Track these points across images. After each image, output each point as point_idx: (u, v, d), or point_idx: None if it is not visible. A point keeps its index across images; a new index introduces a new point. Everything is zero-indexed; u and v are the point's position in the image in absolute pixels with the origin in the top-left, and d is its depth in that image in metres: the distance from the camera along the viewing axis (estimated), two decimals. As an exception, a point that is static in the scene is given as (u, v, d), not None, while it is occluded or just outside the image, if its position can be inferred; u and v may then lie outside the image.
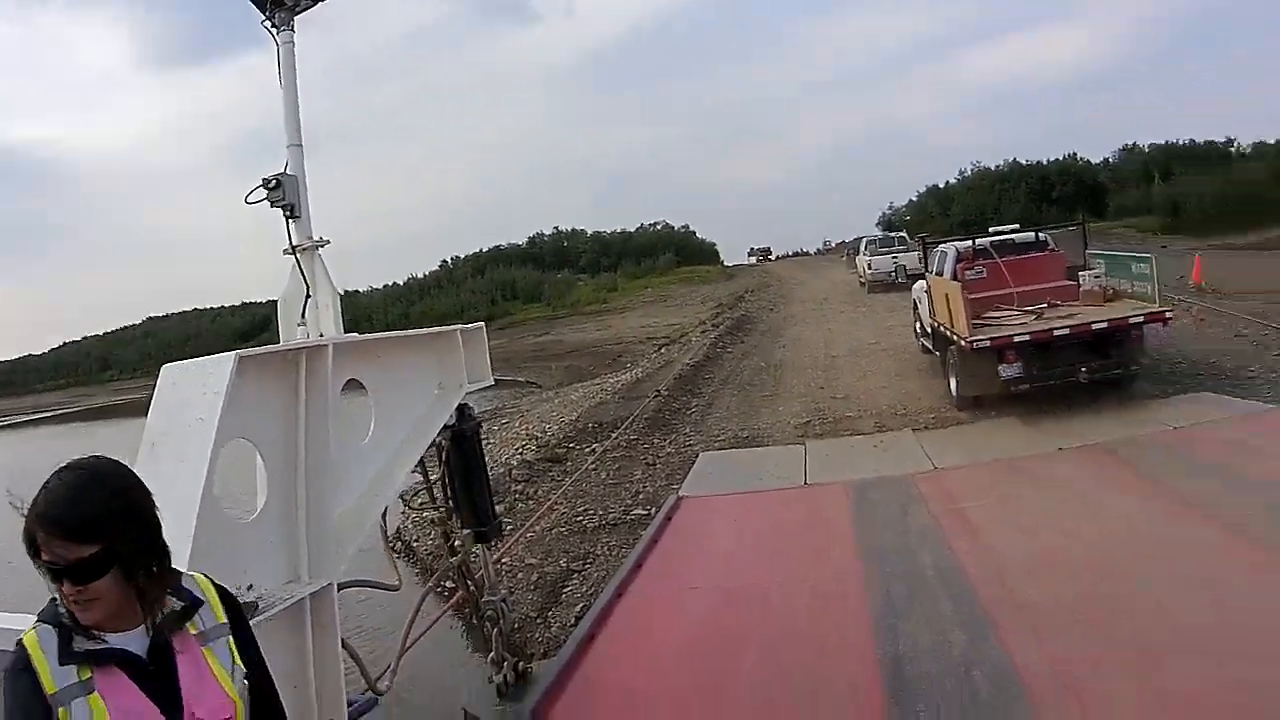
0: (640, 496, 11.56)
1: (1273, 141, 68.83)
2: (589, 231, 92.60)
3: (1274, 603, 5.52)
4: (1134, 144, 75.21)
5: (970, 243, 16.14)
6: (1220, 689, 4.59)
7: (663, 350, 30.81)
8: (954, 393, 14.11)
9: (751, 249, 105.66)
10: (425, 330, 5.28)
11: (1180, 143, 72.97)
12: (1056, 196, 69.66)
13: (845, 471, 10.70)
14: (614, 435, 15.03)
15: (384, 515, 4.33)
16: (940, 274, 15.61)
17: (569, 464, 14.10)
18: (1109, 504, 8.16)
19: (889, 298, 25.26)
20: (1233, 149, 71.78)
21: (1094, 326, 12.65)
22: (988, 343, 12.62)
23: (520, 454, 15.28)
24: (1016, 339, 12.55)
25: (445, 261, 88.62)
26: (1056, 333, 12.56)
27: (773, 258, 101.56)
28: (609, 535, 10.44)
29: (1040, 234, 16.67)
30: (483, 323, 5.69)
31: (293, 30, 4.88)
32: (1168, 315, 13.08)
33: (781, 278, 59.22)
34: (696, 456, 12.77)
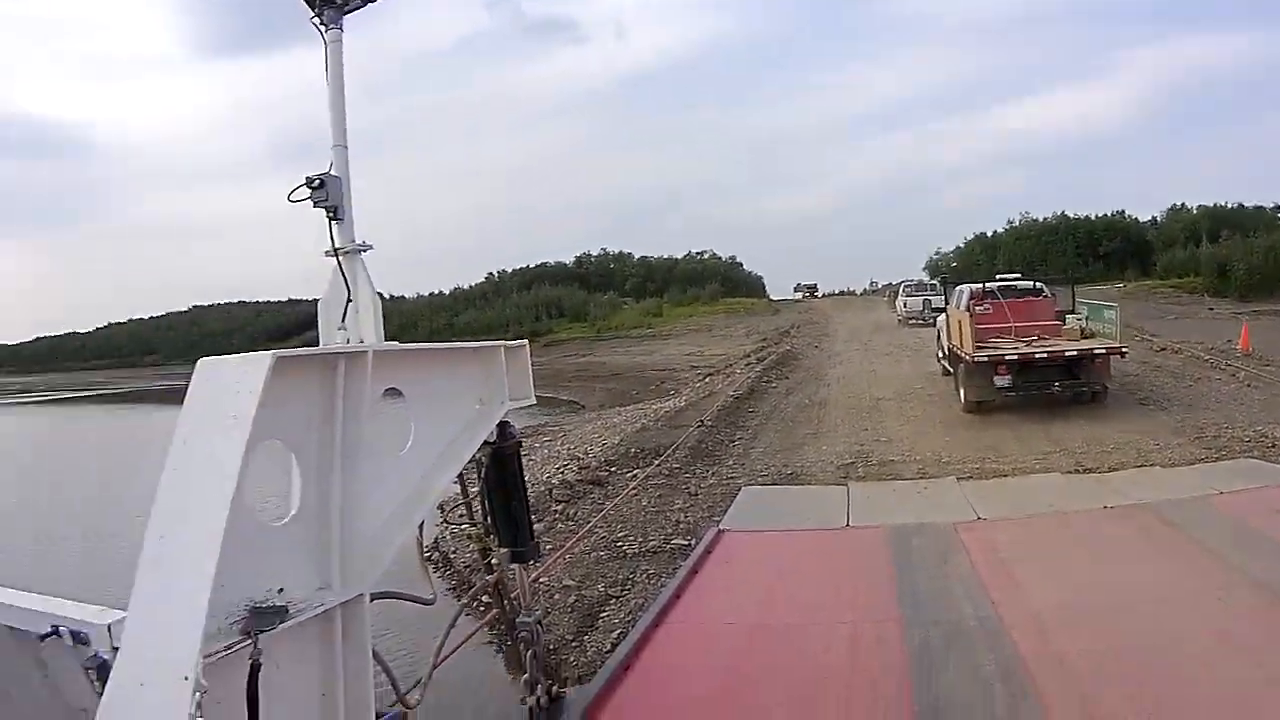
0: (681, 526, 11.49)
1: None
2: (636, 255, 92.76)
3: None
4: (1182, 204, 74.79)
5: (981, 285, 20.33)
6: None
7: (706, 380, 30.85)
8: (962, 399, 18.10)
9: (798, 285, 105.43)
10: (468, 344, 5.15)
11: (1228, 206, 72.21)
12: (1103, 252, 69.38)
13: (887, 516, 10.61)
14: (656, 462, 14.95)
15: (420, 527, 4.23)
16: (957, 308, 19.67)
17: (609, 487, 14.05)
18: (1152, 563, 8.19)
19: (933, 344, 25.36)
20: (1280, 214, 70.97)
21: (1066, 353, 17.04)
22: (985, 358, 16.93)
23: (561, 474, 15.24)
24: (1007, 357, 16.87)
25: (491, 274, 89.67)
26: (1037, 355, 16.95)
27: (819, 295, 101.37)
28: (648, 563, 10.38)
29: (1037, 283, 21.28)
30: (526, 340, 5.53)
31: (341, 30, 4.83)
32: (1124, 350, 17.68)
33: (827, 315, 60.03)
34: (738, 490, 12.65)
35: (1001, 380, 16.59)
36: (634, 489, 13.37)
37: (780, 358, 32.52)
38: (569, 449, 19.09)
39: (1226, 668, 5.69)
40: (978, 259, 71.55)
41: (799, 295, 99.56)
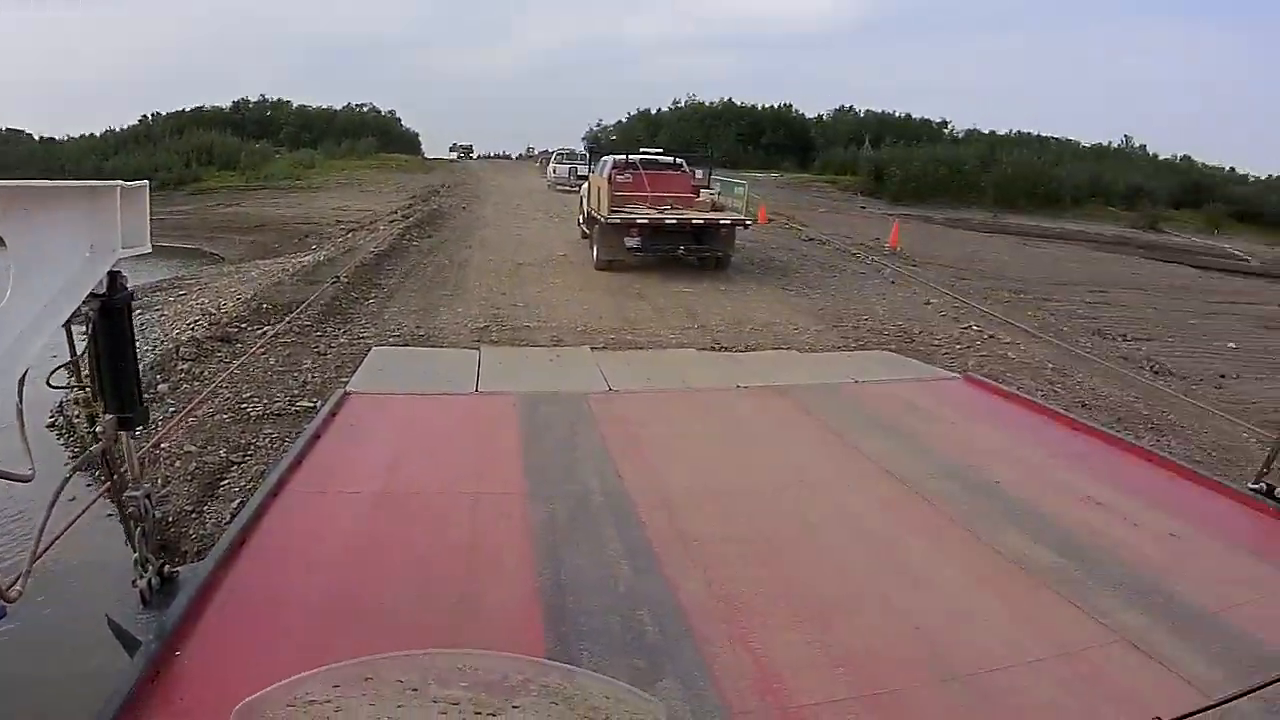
0: (308, 387, 11.16)
1: (985, 130, 75.70)
2: (294, 104, 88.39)
3: (931, 557, 5.86)
4: (850, 107, 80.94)
5: (625, 156, 21.82)
6: (883, 637, 4.79)
7: (350, 235, 30.30)
8: (595, 258, 20.12)
9: (454, 145, 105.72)
10: (80, 183, 4.45)
11: (896, 115, 78.44)
12: (766, 142, 73.56)
13: (519, 382, 10.45)
14: (287, 319, 14.33)
15: (20, 392, 3.70)
16: (599, 176, 21.14)
17: (238, 345, 13.34)
18: (781, 445, 8.34)
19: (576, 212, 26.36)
20: (945, 130, 78.02)
21: (693, 221, 19.20)
22: (619, 220, 18.68)
23: (191, 330, 14.34)
24: (639, 220, 18.72)
25: (146, 116, 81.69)
26: (667, 221, 18.93)
27: (474, 156, 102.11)
28: (272, 426, 10.05)
29: (677, 159, 22.95)
30: (146, 181, 4.79)
31: None
32: (747, 223, 20.16)
33: (480, 177, 60.96)
34: (369, 350, 12.30)
35: (632, 241, 18.67)
36: (261, 347, 12.76)
37: (426, 216, 32.42)
38: (203, 304, 17.93)
39: (853, 555, 5.91)
40: (639, 134, 73.59)
41: (454, 155, 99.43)
